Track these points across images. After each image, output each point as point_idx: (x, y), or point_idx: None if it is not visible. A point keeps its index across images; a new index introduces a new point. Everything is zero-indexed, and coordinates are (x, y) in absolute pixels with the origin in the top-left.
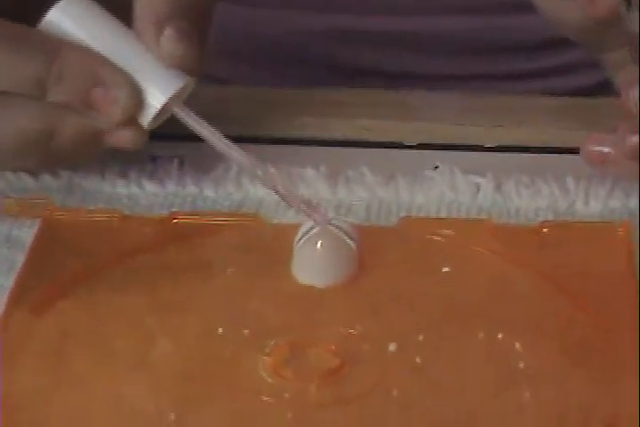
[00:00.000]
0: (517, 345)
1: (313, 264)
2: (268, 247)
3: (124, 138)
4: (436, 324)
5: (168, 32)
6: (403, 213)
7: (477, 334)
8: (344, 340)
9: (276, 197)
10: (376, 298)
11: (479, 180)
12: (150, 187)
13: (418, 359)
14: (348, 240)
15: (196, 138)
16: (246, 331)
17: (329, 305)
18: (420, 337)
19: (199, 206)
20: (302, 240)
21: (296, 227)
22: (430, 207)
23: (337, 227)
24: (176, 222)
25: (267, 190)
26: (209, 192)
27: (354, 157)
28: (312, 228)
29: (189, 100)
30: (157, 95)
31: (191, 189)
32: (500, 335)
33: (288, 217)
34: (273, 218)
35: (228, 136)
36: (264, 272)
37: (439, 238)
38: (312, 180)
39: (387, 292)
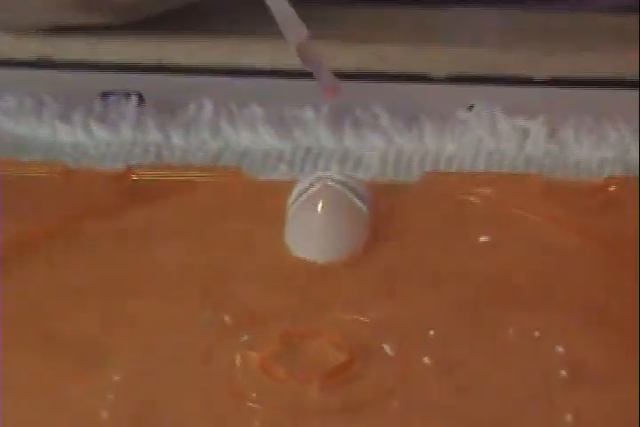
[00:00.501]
0: (569, 339)
1: (312, 233)
2: (254, 211)
3: None
4: (470, 309)
5: None
6: (428, 167)
7: (521, 322)
8: (353, 329)
9: (265, 146)
10: (393, 276)
11: (527, 123)
12: (101, 133)
13: (446, 355)
14: (358, 202)
15: (159, 67)
16: (226, 317)
17: (333, 285)
18: (450, 326)
19: (165, 158)
20: (298, 202)
21: (290, 185)
22: (464, 159)
23: (343, 184)
24: (135, 179)
25: (252, 138)
26: (177, 140)
27: (365, 94)
28: (311, 185)
29: None
30: None
31: (154, 135)
32: (548, 325)
33: (280, 172)
34: (260, 173)
35: None
36: (249, 243)
37: (475, 199)
38: (310, 123)
39: (407, 268)
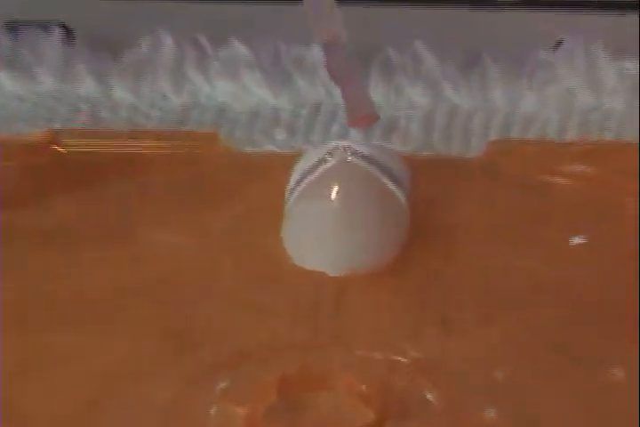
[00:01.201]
0: None
1: (322, 233)
2: (237, 200)
3: None
4: (554, 340)
5: None
6: (494, 134)
7: (631, 359)
8: (382, 372)
9: (252, 102)
10: (442, 295)
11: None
12: (9, 83)
13: (517, 406)
14: (392, 186)
15: None
16: (196, 355)
17: (353, 308)
18: (524, 365)
19: (104, 121)
20: (302, 187)
21: (290, 160)
22: (547, 121)
23: (369, 160)
24: (61, 152)
25: (233, 90)
26: (122, 93)
27: (400, 24)
28: (322, 161)
29: None
30: None
31: (88, 86)
32: None
33: (275, 140)
34: (245, 143)
35: None
36: (229, 247)
37: (563, 181)
38: (319, 68)
39: (462, 283)
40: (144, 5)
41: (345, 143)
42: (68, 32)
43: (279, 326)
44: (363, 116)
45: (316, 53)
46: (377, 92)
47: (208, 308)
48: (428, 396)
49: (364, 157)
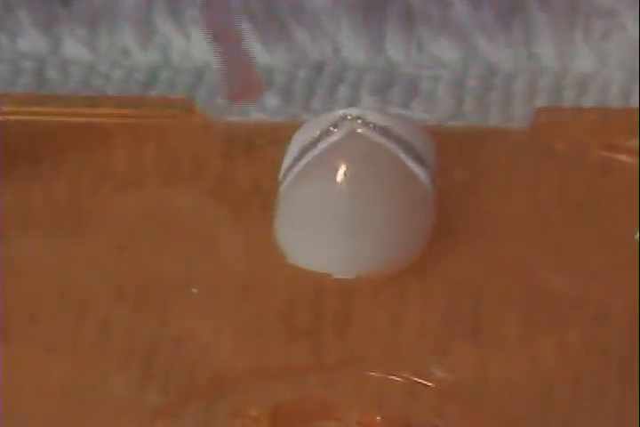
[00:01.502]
0: None
1: (326, 226)
2: (219, 183)
3: None
4: (610, 362)
5: None
6: (542, 98)
7: None
8: (401, 399)
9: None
10: (476, 302)
11: None
12: None
13: None
14: (414, 165)
15: None
16: (170, 380)
17: (364, 318)
18: (575, 392)
19: (52, 83)
20: (300, 166)
21: (285, 132)
22: (608, 83)
23: (385, 132)
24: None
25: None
26: (74, 48)
27: None
28: (326, 134)
29: None
30: None
31: (31, 39)
32: None
33: (266, 108)
34: (229, 110)
35: None
36: (209, 243)
37: (629, 159)
38: (321, 15)
39: (502, 288)
40: None
41: (355, 111)
42: None
43: (270, 343)
44: (244, 88)
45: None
46: (394, 46)
47: (178, 320)
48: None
49: (378, 129)
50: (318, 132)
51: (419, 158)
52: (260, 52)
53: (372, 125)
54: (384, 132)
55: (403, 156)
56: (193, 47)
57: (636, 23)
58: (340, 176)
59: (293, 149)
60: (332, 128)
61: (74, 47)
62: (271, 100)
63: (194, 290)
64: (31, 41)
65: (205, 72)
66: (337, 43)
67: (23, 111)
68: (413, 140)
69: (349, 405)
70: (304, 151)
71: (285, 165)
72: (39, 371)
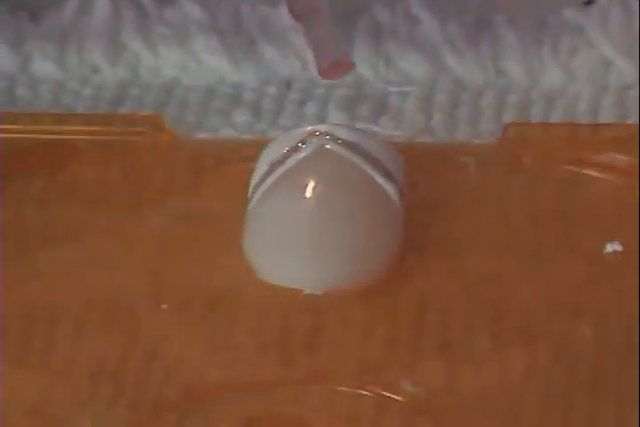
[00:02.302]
0: None
1: (295, 241)
2: (188, 200)
3: None
4: (583, 378)
5: None
6: (510, 113)
7: None
8: (372, 413)
9: (207, 76)
10: (445, 318)
11: None
12: None
13: None
14: (382, 180)
15: None
16: (141, 395)
17: (334, 334)
18: (545, 407)
19: (21, 100)
20: (269, 183)
21: (254, 149)
22: (577, 97)
23: (354, 148)
24: None
25: (183, 60)
26: (43, 64)
27: None
28: (294, 150)
29: None
30: None
31: (1, 55)
32: None
33: (235, 124)
34: (198, 128)
35: None
36: (178, 259)
37: (598, 173)
38: (290, 33)
39: (470, 304)
40: None
41: (323, 127)
42: None
43: (241, 357)
44: (334, 62)
45: (286, 15)
46: (362, 62)
47: (148, 336)
48: None
49: (346, 145)
50: (287, 149)
51: (387, 174)
52: (229, 70)
53: (340, 141)
54: (352, 147)
55: (371, 171)
56: (162, 64)
57: (602, 39)
58: (308, 192)
59: (262, 165)
60: (300, 144)
61: (43, 65)
62: (240, 117)
63: (164, 306)
64: (0, 59)
65: (174, 89)
66: (305, 59)
67: None
68: (382, 155)
69: (320, 419)
70: (273, 167)
71: (254, 181)
72: (9, 386)
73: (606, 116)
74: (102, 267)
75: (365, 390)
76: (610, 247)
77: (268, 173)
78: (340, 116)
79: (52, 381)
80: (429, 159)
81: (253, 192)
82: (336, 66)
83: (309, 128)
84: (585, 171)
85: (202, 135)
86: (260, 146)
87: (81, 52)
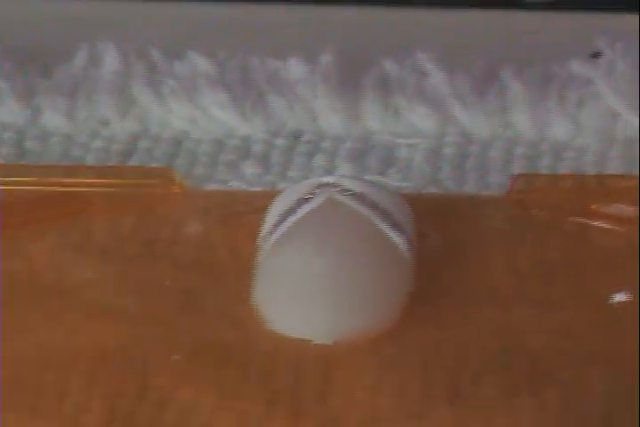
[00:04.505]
0: None
1: (306, 292)
2: (199, 250)
3: None
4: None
5: None
6: (517, 165)
7: None
8: None
9: (216, 129)
10: (454, 367)
11: None
12: None
13: None
14: (391, 232)
15: None
16: None
17: (344, 384)
18: None
19: (30, 152)
20: (279, 234)
21: (264, 200)
22: (584, 150)
23: (362, 200)
24: None
25: (191, 114)
26: (52, 117)
27: (396, 27)
28: (303, 201)
29: None
30: None
31: (11, 108)
32: None
33: (244, 176)
34: (208, 179)
35: None
36: (190, 309)
37: (603, 224)
38: (299, 86)
39: (484, 352)
40: (80, 7)
41: (331, 179)
42: None
43: (249, 408)
44: None
45: (294, 68)
46: (371, 115)
47: (159, 386)
48: None
49: (355, 196)
50: (296, 200)
51: (396, 225)
52: (238, 122)
53: (348, 193)
54: (361, 199)
55: (380, 222)
56: (171, 117)
57: (608, 91)
58: (317, 244)
59: (271, 216)
60: (309, 196)
61: (53, 118)
62: (249, 169)
63: (175, 356)
64: (11, 112)
65: (184, 141)
66: (313, 111)
67: (3, 181)
68: (390, 207)
69: None
70: (282, 218)
71: (264, 232)
72: None
73: (613, 168)
74: (114, 316)
75: None
76: (618, 297)
77: (277, 225)
78: (348, 167)
79: None
80: (438, 211)
81: (263, 243)
82: None
83: (318, 179)
84: (593, 222)
85: (211, 187)
86: (269, 198)
87: (91, 106)
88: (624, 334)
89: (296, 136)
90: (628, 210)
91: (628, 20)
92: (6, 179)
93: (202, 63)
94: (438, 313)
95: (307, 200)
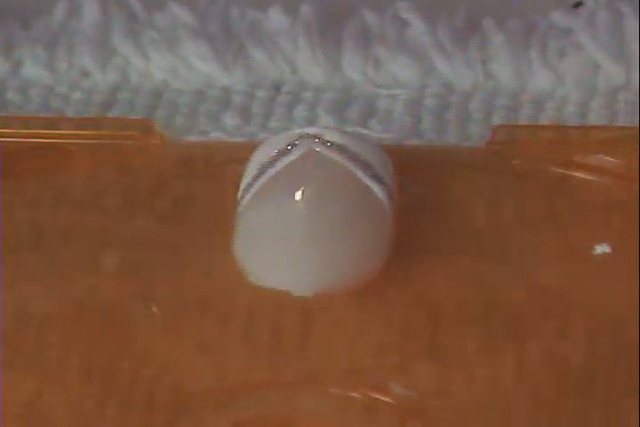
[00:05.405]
0: None
1: (285, 244)
2: (177, 202)
3: None
4: (576, 381)
5: None
6: (498, 116)
7: None
8: (361, 416)
9: (196, 79)
10: (435, 319)
11: None
12: None
13: None
14: (372, 183)
15: None
16: (129, 398)
17: (324, 336)
18: (537, 410)
19: (12, 103)
20: (258, 186)
21: (243, 151)
22: (565, 101)
23: (343, 151)
24: None
25: (171, 64)
26: (33, 68)
27: None
28: (283, 153)
29: None
30: None
31: None
32: None
33: (225, 127)
34: (187, 131)
35: None
36: (168, 262)
37: (586, 175)
38: (280, 35)
39: (465, 305)
40: None
41: (312, 130)
42: None
43: (229, 361)
44: None
45: (274, 19)
46: (351, 66)
47: (138, 341)
48: None
49: (336, 148)
50: (276, 152)
51: (376, 177)
52: (218, 73)
53: (329, 144)
54: (342, 150)
55: (360, 174)
56: (151, 68)
57: (590, 41)
58: (298, 195)
59: (252, 168)
60: (289, 147)
61: (33, 69)
62: (229, 120)
63: (153, 308)
64: None
65: (164, 92)
66: (294, 63)
67: None
68: (371, 158)
69: (310, 422)
70: (262, 170)
71: (243, 183)
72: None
73: (595, 119)
74: (92, 269)
75: (355, 393)
76: (599, 249)
77: (257, 176)
78: (329, 119)
79: (42, 382)
80: (419, 162)
81: (242, 195)
82: None
83: (298, 131)
84: (574, 173)
85: (191, 138)
86: (249, 149)
87: (71, 57)
88: (605, 287)
89: (277, 87)
90: (609, 161)
91: None
92: None
93: (182, 14)
94: (419, 266)
95: (287, 152)
